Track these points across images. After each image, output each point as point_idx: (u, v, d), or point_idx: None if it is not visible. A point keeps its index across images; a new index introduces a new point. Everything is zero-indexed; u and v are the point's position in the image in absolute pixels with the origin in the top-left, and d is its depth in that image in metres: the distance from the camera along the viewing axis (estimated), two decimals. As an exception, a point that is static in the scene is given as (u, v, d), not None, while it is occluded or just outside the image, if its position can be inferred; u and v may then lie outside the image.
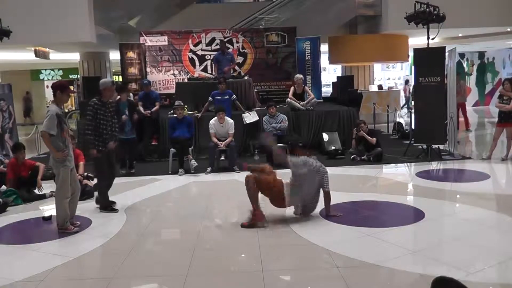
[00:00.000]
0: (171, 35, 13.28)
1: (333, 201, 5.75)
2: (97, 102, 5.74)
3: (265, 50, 13.42)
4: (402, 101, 18.18)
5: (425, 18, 8.42)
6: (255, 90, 11.65)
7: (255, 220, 5.06)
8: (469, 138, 11.81)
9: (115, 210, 5.90)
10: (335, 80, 13.74)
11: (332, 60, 15.37)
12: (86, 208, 6.04)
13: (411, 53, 11.98)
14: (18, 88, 19.04)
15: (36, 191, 6.87)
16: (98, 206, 6.03)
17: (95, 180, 6.51)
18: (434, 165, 8.24)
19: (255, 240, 4.63)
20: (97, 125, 5.72)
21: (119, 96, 7.99)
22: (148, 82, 10.23)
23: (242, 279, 3.81)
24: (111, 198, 6.14)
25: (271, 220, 5.33)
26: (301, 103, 9.85)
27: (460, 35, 15.37)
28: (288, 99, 9.91)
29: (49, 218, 5.59)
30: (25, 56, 15.38)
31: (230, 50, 12.28)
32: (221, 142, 8.20)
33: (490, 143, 8.86)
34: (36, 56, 14.34)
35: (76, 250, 4.61)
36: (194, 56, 13.32)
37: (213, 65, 11.84)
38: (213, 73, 11.19)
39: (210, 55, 12.93)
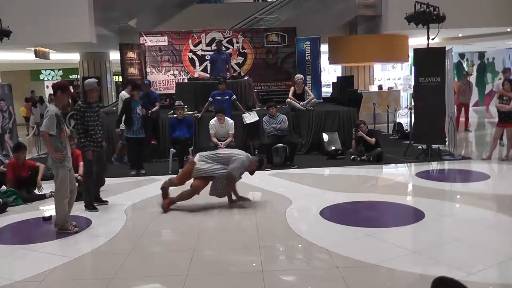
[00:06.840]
0: (171, 35, 13.27)
1: (333, 201, 5.78)
2: (82, 105, 5.83)
3: (265, 50, 13.41)
4: (403, 101, 18.06)
5: (425, 18, 8.42)
6: (255, 90, 11.65)
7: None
8: (469, 138, 11.80)
9: (96, 209, 5.90)
10: (335, 80, 13.74)
11: (332, 61, 15.36)
12: (86, 208, 6.04)
13: (411, 53, 11.98)
14: (18, 88, 19.05)
15: (36, 191, 6.87)
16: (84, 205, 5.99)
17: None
18: (434, 165, 8.25)
19: (255, 241, 4.63)
20: (86, 127, 5.80)
21: (132, 94, 8.07)
22: (149, 82, 10.23)
23: (242, 279, 3.81)
24: (110, 198, 6.20)
25: (270, 220, 5.34)
26: (301, 103, 9.84)
27: (460, 35, 15.36)
28: (288, 99, 9.90)
29: (49, 218, 5.59)
30: (25, 56, 15.39)
31: (226, 51, 12.30)
32: (221, 142, 8.19)
33: (490, 144, 8.86)
34: (36, 56, 14.34)
35: (76, 250, 4.61)
36: (194, 56, 13.32)
37: (208, 65, 11.82)
38: (208, 73, 11.18)
39: (210, 55, 12.93)
